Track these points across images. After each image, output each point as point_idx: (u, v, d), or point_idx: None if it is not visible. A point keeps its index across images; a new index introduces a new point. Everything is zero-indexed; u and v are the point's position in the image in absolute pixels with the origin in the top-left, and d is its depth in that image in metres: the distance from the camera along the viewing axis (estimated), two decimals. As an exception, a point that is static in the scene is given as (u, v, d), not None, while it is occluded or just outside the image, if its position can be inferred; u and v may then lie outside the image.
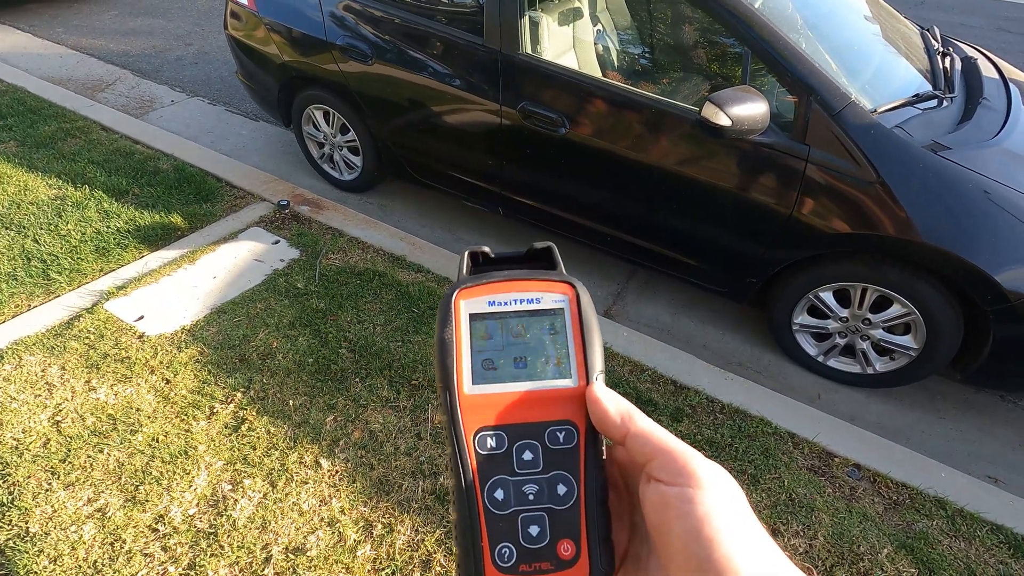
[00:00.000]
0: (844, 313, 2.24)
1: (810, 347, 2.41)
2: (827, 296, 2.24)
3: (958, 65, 2.45)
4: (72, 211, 2.88)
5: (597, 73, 2.71)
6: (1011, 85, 2.38)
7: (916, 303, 2.07)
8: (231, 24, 3.32)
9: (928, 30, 2.74)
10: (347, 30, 2.85)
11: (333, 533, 1.66)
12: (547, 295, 0.35)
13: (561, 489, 0.32)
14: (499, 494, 0.32)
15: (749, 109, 1.94)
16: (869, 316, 2.19)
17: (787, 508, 1.78)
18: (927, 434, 2.22)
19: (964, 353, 2.13)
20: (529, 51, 2.45)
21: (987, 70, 2.49)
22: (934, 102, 2.17)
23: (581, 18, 2.80)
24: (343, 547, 1.62)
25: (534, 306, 0.35)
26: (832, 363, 2.39)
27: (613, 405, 0.33)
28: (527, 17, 2.46)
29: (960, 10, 6.69)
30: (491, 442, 0.33)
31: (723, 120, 1.93)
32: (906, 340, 2.17)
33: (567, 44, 2.72)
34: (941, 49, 2.54)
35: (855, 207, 2.02)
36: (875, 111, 2.01)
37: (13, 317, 2.33)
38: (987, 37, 5.76)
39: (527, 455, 0.33)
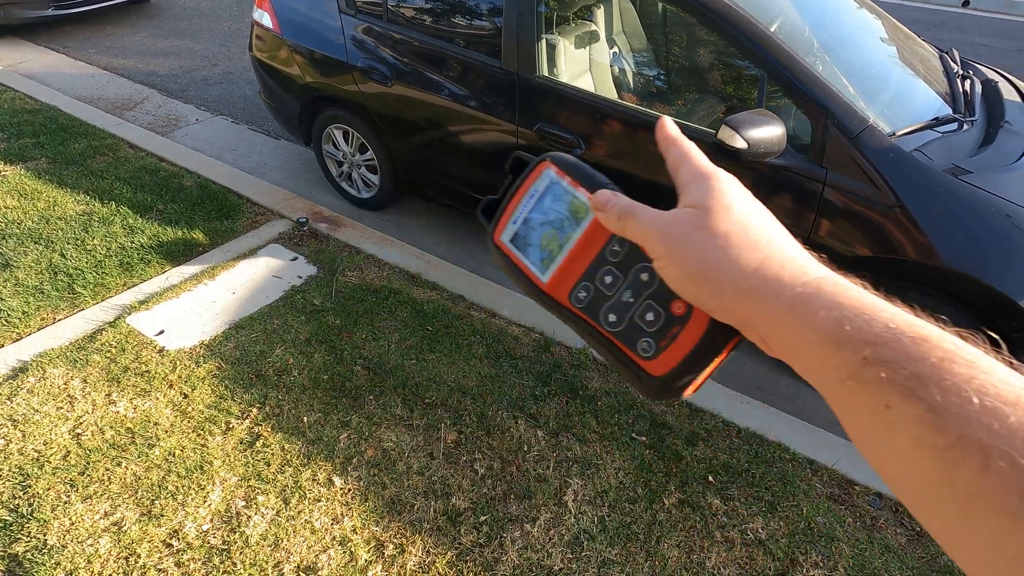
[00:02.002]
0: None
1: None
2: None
3: (979, 88, 2.43)
4: (98, 226, 2.96)
5: (613, 95, 2.73)
6: (1034, 108, 2.35)
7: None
8: (256, 46, 3.41)
9: (947, 52, 2.73)
10: (367, 52, 2.92)
11: (345, 553, 1.65)
12: (538, 182, 0.42)
13: (644, 276, 0.37)
14: (611, 317, 0.38)
15: (765, 132, 1.94)
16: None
17: (806, 537, 1.74)
18: (951, 463, 2.16)
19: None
20: (546, 73, 2.49)
21: (1009, 93, 2.47)
22: (954, 125, 2.15)
23: (597, 41, 2.83)
24: (354, 567, 1.62)
25: (536, 195, 0.42)
26: (851, 388, 2.35)
27: (609, 214, 0.37)
28: (544, 40, 2.50)
29: (980, 31, 6.65)
30: (581, 294, 0.39)
31: (739, 143, 1.94)
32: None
33: (583, 66, 2.75)
34: (961, 72, 2.53)
35: (874, 231, 2.00)
36: (894, 134, 2.00)
37: (39, 330, 2.38)
38: (1009, 58, 5.71)
39: (607, 279, 0.39)
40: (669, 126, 0.40)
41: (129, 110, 4.52)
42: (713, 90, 2.71)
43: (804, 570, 1.65)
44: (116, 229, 2.95)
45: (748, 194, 0.36)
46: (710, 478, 1.90)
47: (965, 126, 2.16)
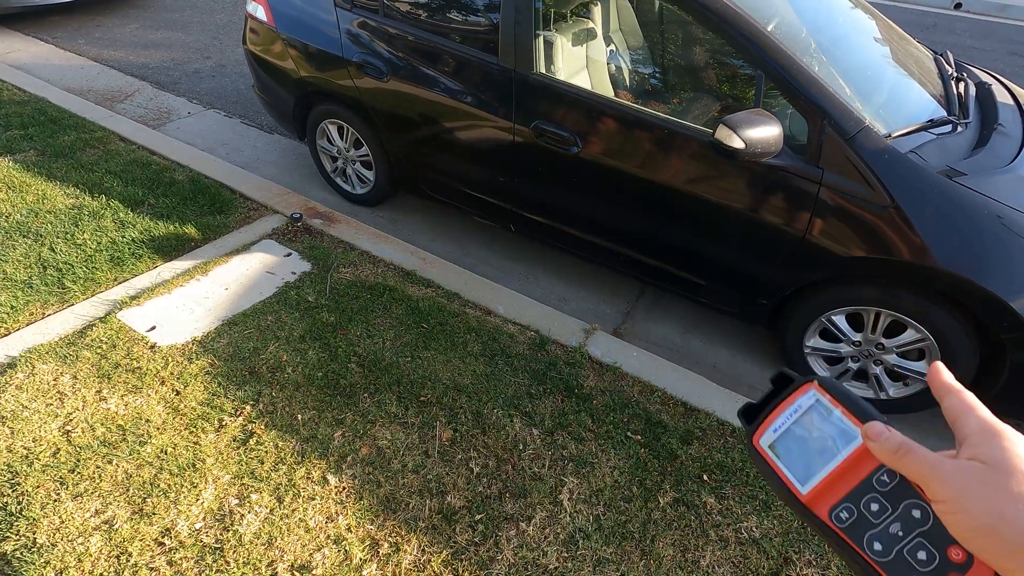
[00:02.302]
0: (857, 337, 2.22)
1: (822, 371, 2.39)
2: (840, 320, 2.22)
3: (972, 90, 2.45)
4: (89, 220, 2.92)
5: (610, 93, 2.73)
6: (1027, 111, 2.37)
7: (931, 329, 2.05)
8: (250, 39, 3.37)
9: (942, 55, 2.74)
10: (363, 47, 2.89)
11: (339, 551, 1.65)
12: (801, 399, 0.45)
13: (916, 513, 0.38)
14: (876, 545, 0.38)
15: (763, 132, 1.94)
16: (883, 341, 2.17)
17: (799, 536, 1.75)
18: (941, 462, 2.18)
19: (980, 380, 2.10)
20: (543, 70, 2.48)
21: (1002, 96, 2.48)
22: (948, 127, 2.16)
23: (594, 38, 2.82)
24: (349, 566, 1.61)
25: (800, 412, 0.44)
26: (844, 387, 2.36)
27: (883, 446, 0.39)
28: (541, 37, 2.48)
29: (972, 34, 6.71)
30: (843, 514, 0.40)
31: (736, 143, 1.94)
32: (920, 366, 2.15)
33: (580, 64, 2.74)
34: (955, 74, 2.54)
35: (869, 231, 2.01)
36: (889, 136, 2.01)
37: (27, 325, 2.35)
38: (1000, 61, 5.76)
39: (873, 506, 0.39)
40: (944, 373, 0.42)
41: (120, 102, 4.47)
42: (709, 89, 2.72)
43: (798, 568, 1.66)
44: (107, 223, 2.92)
45: None
46: (705, 477, 1.90)
47: (959, 128, 2.17)
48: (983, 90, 2.48)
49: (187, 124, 4.22)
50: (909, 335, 2.11)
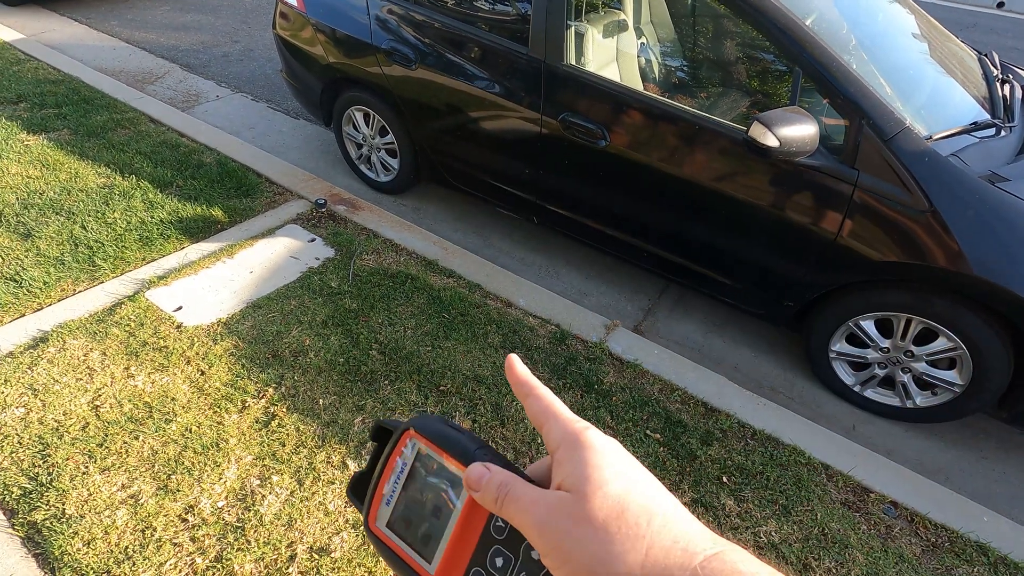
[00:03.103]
0: (886, 344, 2.17)
1: (847, 376, 2.35)
2: (868, 325, 2.18)
3: (1018, 93, 2.37)
4: (119, 200, 2.97)
5: (639, 86, 2.69)
6: (1075, 116, 2.29)
7: (963, 338, 1.99)
8: (279, 24, 3.38)
9: (987, 55, 2.65)
10: (392, 34, 2.88)
11: (357, 536, 1.66)
12: (405, 454, 0.39)
13: (534, 554, 0.34)
14: None
15: (798, 131, 1.90)
16: (912, 348, 2.12)
17: (819, 543, 1.72)
18: (968, 474, 2.14)
19: (1013, 392, 2.05)
20: (573, 62, 2.45)
21: (1049, 99, 2.40)
22: (992, 131, 2.10)
23: (625, 31, 2.78)
24: (367, 551, 1.63)
25: (406, 470, 0.38)
26: (869, 394, 2.32)
27: (484, 495, 0.35)
28: (572, 28, 2.45)
29: (1014, 34, 6.49)
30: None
31: (771, 141, 1.90)
32: (951, 375, 2.10)
33: (610, 56, 2.70)
34: (1000, 75, 2.46)
35: (904, 235, 1.96)
36: (930, 138, 1.95)
37: (59, 301, 2.40)
38: (1043, 62, 5.56)
39: (498, 561, 0.35)
40: (518, 367, 0.38)
41: (150, 84, 4.52)
42: (741, 85, 2.66)
43: (817, 575, 1.64)
44: (136, 203, 2.96)
45: (623, 457, 0.34)
46: (724, 479, 1.88)
47: (1003, 132, 2.10)
48: (1029, 93, 2.39)
49: (215, 107, 4.26)
50: (940, 343, 2.05)
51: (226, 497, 1.73)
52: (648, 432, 2.01)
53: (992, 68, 2.50)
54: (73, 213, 2.86)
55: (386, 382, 2.12)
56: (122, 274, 2.56)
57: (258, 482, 1.78)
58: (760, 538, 1.73)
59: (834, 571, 1.66)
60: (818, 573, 1.65)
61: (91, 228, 2.77)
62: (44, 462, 1.78)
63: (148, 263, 2.64)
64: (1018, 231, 1.84)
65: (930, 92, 2.25)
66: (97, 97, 3.96)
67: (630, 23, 2.82)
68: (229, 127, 3.95)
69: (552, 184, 2.68)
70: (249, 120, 4.13)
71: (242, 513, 1.70)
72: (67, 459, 1.79)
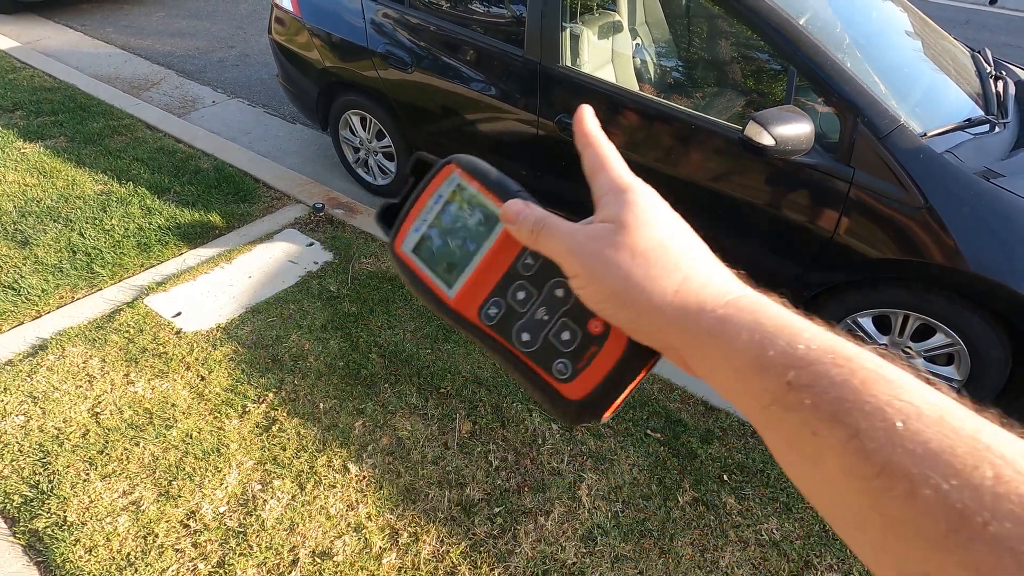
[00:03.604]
0: (883, 340, 2.18)
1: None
2: (866, 322, 2.19)
3: (1012, 89, 2.38)
4: (116, 207, 2.97)
5: (634, 87, 2.70)
6: (1069, 112, 2.30)
7: (961, 334, 2.00)
8: (275, 29, 3.39)
9: (980, 52, 2.67)
10: (388, 38, 2.89)
11: (359, 539, 1.66)
12: (443, 186, 0.39)
13: (559, 292, 0.35)
14: (524, 336, 0.36)
15: (793, 129, 1.91)
16: (910, 345, 2.13)
17: (820, 540, 1.73)
18: (967, 469, 2.14)
19: (1010, 387, 2.06)
20: (568, 64, 2.46)
21: (1042, 95, 2.41)
22: (986, 127, 2.11)
23: (620, 31, 2.79)
24: (369, 554, 1.63)
25: (442, 201, 0.39)
26: (868, 390, 2.32)
27: (520, 227, 0.35)
28: (568, 30, 2.46)
29: (1007, 31, 6.52)
30: (491, 310, 0.37)
31: (766, 140, 1.90)
32: (948, 371, 2.11)
33: (606, 57, 2.71)
34: (994, 72, 2.47)
35: (900, 233, 1.97)
36: (925, 135, 1.96)
37: (57, 308, 2.40)
38: (1036, 59, 5.59)
39: (520, 295, 0.36)
40: (588, 119, 0.37)
41: (146, 90, 4.52)
42: (737, 84, 2.67)
43: (819, 573, 1.65)
44: (134, 210, 2.96)
45: (667, 209, 0.34)
46: (725, 477, 1.89)
47: (997, 128, 2.11)
48: (1023, 89, 2.41)
49: (211, 113, 4.27)
50: (938, 339, 2.06)
51: (228, 502, 1.73)
52: (649, 431, 2.02)
53: (985, 65, 2.52)
54: (71, 220, 2.86)
55: (386, 385, 2.12)
56: (120, 281, 2.56)
57: (259, 487, 1.78)
58: (762, 536, 1.73)
59: (836, 568, 1.66)
60: (820, 570, 1.65)
61: (89, 235, 2.77)
62: (45, 470, 1.78)
63: (146, 269, 2.64)
64: (1013, 227, 1.85)
65: (924, 89, 2.26)
66: (93, 104, 3.96)
67: (625, 24, 2.83)
68: (226, 132, 3.95)
69: (549, 186, 2.69)
70: (246, 125, 4.13)
71: (244, 518, 1.70)
72: (68, 466, 1.79)
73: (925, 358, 2.13)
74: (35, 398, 2.00)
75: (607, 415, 0.35)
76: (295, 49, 3.27)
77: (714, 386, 0.31)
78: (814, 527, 1.76)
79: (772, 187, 2.12)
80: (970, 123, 2.08)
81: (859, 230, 2.03)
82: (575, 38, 2.49)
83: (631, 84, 2.73)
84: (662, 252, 0.32)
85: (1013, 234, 1.86)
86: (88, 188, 3.10)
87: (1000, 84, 2.39)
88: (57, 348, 2.19)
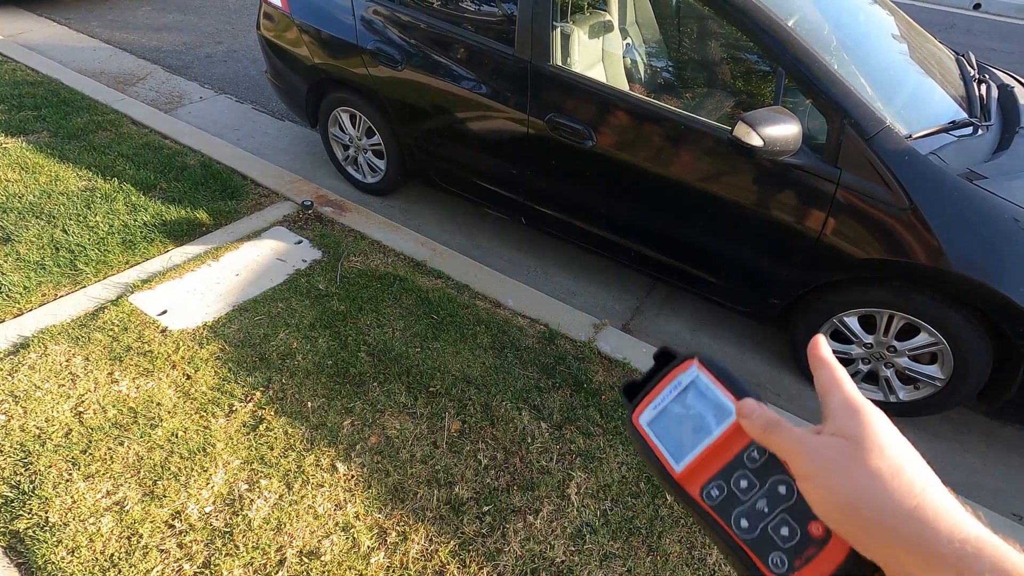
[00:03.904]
0: (869, 339, 2.20)
1: (832, 372, 2.37)
2: (852, 321, 2.21)
3: (994, 92, 2.42)
4: (101, 203, 2.92)
5: (624, 87, 2.70)
6: (1050, 115, 2.34)
7: (944, 333, 2.03)
8: (264, 25, 3.36)
9: (964, 55, 2.70)
10: (378, 35, 2.87)
11: (347, 539, 1.66)
12: (682, 375, 0.44)
13: (782, 489, 0.38)
14: (743, 523, 0.38)
15: (782, 130, 1.92)
16: (895, 344, 2.16)
17: (806, 536, 1.74)
18: (952, 466, 2.18)
19: (993, 386, 2.09)
20: (559, 63, 2.46)
21: (1024, 98, 2.45)
22: (970, 129, 2.14)
23: (611, 31, 2.80)
24: (357, 553, 1.62)
25: (679, 388, 0.44)
26: (854, 389, 2.35)
27: (754, 423, 0.39)
28: (558, 29, 2.46)
29: (990, 35, 6.62)
30: (714, 491, 0.40)
31: (755, 140, 1.92)
32: (932, 370, 2.13)
33: (596, 57, 2.72)
34: (977, 75, 2.51)
35: (886, 233, 1.99)
36: (910, 137, 1.98)
37: (40, 306, 2.36)
38: (1020, 63, 5.68)
39: (743, 483, 0.39)
40: (823, 346, 0.41)
41: (132, 85, 4.47)
42: (726, 85, 2.69)
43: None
44: (119, 206, 2.92)
45: (898, 433, 0.36)
46: (712, 475, 1.90)
47: (980, 131, 2.14)
48: (1005, 92, 2.45)
49: (199, 109, 4.22)
50: (922, 338, 2.09)
51: (214, 502, 1.71)
52: (637, 430, 2.02)
53: (969, 68, 2.55)
54: (54, 217, 2.82)
55: (375, 384, 2.11)
56: (105, 278, 2.52)
57: (246, 486, 1.76)
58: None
59: (821, 564, 1.68)
60: (806, 567, 1.67)
61: (73, 232, 2.73)
62: (26, 470, 1.75)
63: (131, 267, 2.60)
64: (995, 227, 1.88)
65: (910, 92, 2.29)
66: (77, 99, 3.91)
67: (615, 24, 2.84)
68: (213, 129, 3.91)
69: (539, 184, 2.69)
70: (233, 122, 4.09)
71: (230, 518, 1.68)
72: (50, 466, 1.76)
73: (910, 357, 2.16)
74: (16, 397, 1.96)
75: None
76: (284, 45, 3.24)
77: None
78: (800, 524, 1.78)
79: (760, 188, 2.13)
80: (954, 125, 2.11)
81: (845, 231, 2.05)
82: (565, 37, 2.49)
83: (621, 84, 2.74)
84: (897, 473, 0.33)
85: (995, 235, 1.89)
86: (72, 184, 3.06)
87: (983, 87, 2.42)
88: (39, 346, 2.15)
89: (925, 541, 0.31)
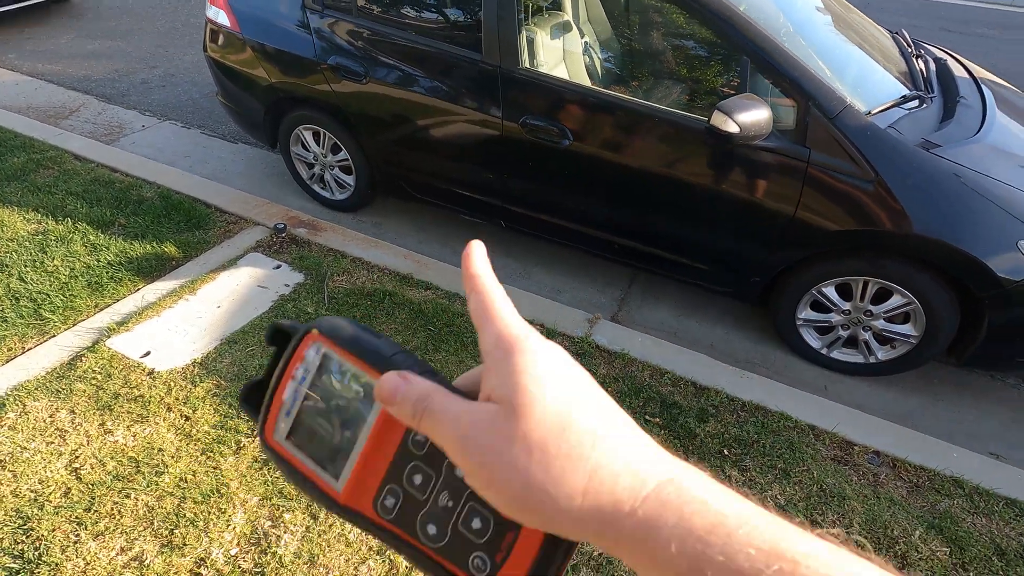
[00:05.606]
0: (846, 306, 2.34)
1: (814, 341, 2.51)
2: (830, 291, 2.34)
3: (932, 66, 2.60)
4: (57, 246, 2.76)
5: (587, 84, 2.76)
6: (981, 83, 2.54)
7: (915, 293, 2.18)
8: (210, 47, 3.24)
9: (898, 33, 2.90)
10: (339, 50, 2.83)
11: (383, 561, 1.63)
12: (308, 359, 0.34)
13: (460, 472, 0.30)
14: (431, 529, 0.31)
15: (755, 116, 2.02)
16: (871, 308, 2.30)
17: (820, 499, 1.84)
18: (930, 417, 2.34)
19: (961, 339, 2.25)
20: (528, 65, 2.49)
21: (957, 70, 2.65)
22: (917, 102, 2.30)
23: (570, 31, 2.85)
24: (397, 574, 1.60)
25: (309, 377, 0.34)
26: (836, 355, 2.49)
27: (401, 408, 0.30)
28: (523, 33, 2.49)
29: (903, 12, 7.08)
30: (388, 501, 0.32)
31: (732, 127, 2.01)
32: (906, 329, 2.28)
33: (558, 57, 2.76)
34: (914, 51, 2.69)
35: (855, 205, 2.12)
36: (869, 113, 2.12)
37: (7, 362, 2.21)
38: (933, 37, 6.11)
39: (416, 479, 0.31)
40: (475, 257, 0.33)
41: (65, 119, 4.22)
42: (694, 76, 2.78)
43: (824, 529, 1.75)
44: (77, 248, 2.76)
45: (566, 368, 0.29)
46: (725, 451, 1.98)
47: (926, 103, 2.31)
48: (941, 65, 2.64)
49: (143, 138, 4.03)
50: (895, 300, 2.24)
51: (238, 543, 1.66)
52: (648, 417, 2.08)
53: (906, 45, 2.74)
54: (6, 265, 2.64)
55: (383, 402, 2.08)
56: (75, 325, 2.38)
57: (270, 523, 1.71)
58: (768, 502, 1.81)
59: (838, 523, 1.78)
60: (825, 526, 1.76)
61: (31, 279, 2.56)
62: (28, 536, 1.65)
63: (102, 310, 2.47)
64: (955, 192, 2.03)
65: (861, 71, 2.44)
66: (9, 138, 3.66)
67: (573, 24, 2.89)
68: (163, 157, 3.74)
69: (518, 187, 2.71)
70: (183, 148, 3.93)
71: (259, 557, 1.63)
72: (54, 529, 1.66)
73: (885, 319, 2.30)
74: (1, 461, 1.83)
75: None
76: (236, 66, 3.14)
77: None
78: (812, 488, 1.88)
79: (736, 172, 2.23)
80: (905, 99, 2.26)
81: (818, 206, 2.17)
82: (531, 40, 2.53)
83: (583, 81, 2.79)
84: (562, 438, 0.27)
85: (951, 197, 2.04)
86: (20, 229, 2.87)
87: (921, 62, 2.61)
88: (16, 404, 2.02)
89: (608, 522, 0.26)
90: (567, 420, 0.27)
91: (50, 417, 1.98)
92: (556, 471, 0.26)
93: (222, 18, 3.08)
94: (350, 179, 3.21)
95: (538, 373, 0.28)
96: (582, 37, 2.97)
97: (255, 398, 0.36)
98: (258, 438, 0.35)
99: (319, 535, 1.69)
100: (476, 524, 0.30)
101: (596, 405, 0.28)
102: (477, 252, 0.33)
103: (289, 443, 0.34)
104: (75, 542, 1.64)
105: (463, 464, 0.28)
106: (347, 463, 0.32)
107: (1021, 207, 2.01)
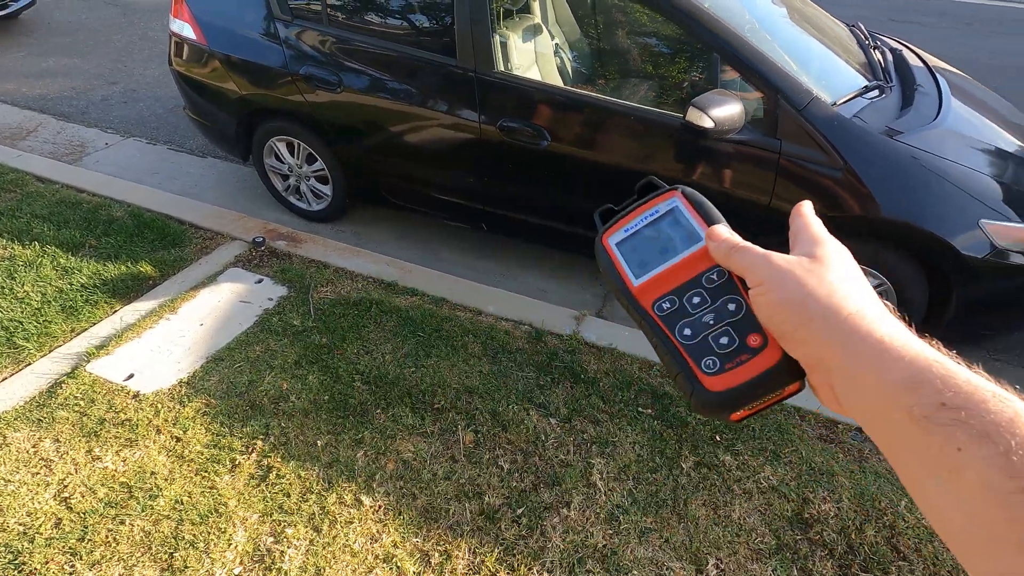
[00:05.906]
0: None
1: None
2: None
3: (889, 57, 2.72)
4: (25, 271, 2.67)
5: (560, 84, 2.80)
6: (936, 72, 2.66)
7: (886, 273, 2.27)
8: (175, 61, 3.18)
9: (855, 25, 3.01)
10: (310, 59, 2.81)
11: (391, 569, 1.63)
12: (661, 204, 0.46)
13: (731, 306, 0.41)
14: (687, 331, 0.41)
15: (728, 110, 2.08)
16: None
17: (810, 477, 1.91)
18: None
19: (931, 316, 2.36)
20: (502, 69, 2.51)
21: (912, 59, 2.77)
22: (877, 92, 2.40)
23: (541, 33, 2.89)
24: (405, 581, 1.61)
25: (656, 216, 0.46)
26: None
27: (720, 246, 0.41)
28: (497, 36, 2.51)
29: (852, 4, 7.33)
30: (665, 304, 0.43)
31: (707, 123, 2.07)
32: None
33: (531, 59, 2.80)
34: (871, 43, 2.81)
35: (826, 192, 2.20)
36: (835, 104, 2.20)
37: (-18, 393, 2.13)
38: (881, 27, 6.34)
39: (695, 299, 0.42)
40: (806, 205, 0.45)
41: (22, 139, 4.08)
42: (665, 73, 2.84)
43: (816, 506, 1.82)
44: (47, 272, 2.68)
45: (856, 266, 0.40)
46: (717, 437, 2.03)
47: (886, 92, 2.41)
48: (897, 56, 2.76)
49: (107, 156, 3.92)
50: (870, 281, 2.32)
51: (242, 562, 1.64)
52: (640, 409, 2.12)
53: (864, 37, 2.85)
54: (-27, 294, 2.54)
55: (378, 411, 2.08)
56: (51, 351, 2.31)
57: (272, 539, 1.69)
58: (761, 484, 1.88)
59: (829, 499, 1.84)
60: (816, 503, 1.83)
61: (0, 307, 2.47)
62: (20, 572, 1.59)
63: (78, 334, 2.40)
64: (914, 175, 2.13)
65: (823, 63, 2.53)
66: (-35, 161, 3.52)
67: (544, 26, 2.93)
68: (130, 175, 3.65)
69: (498, 190, 2.74)
70: (150, 165, 3.84)
71: (264, 574, 1.61)
72: (47, 562, 1.61)
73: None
74: (-16, 496, 1.77)
75: (737, 416, 0.40)
76: (204, 79, 3.09)
77: (852, 407, 0.34)
78: (802, 467, 1.94)
79: (712, 166, 2.29)
80: (867, 89, 2.36)
81: (791, 196, 2.24)
82: (504, 43, 2.55)
83: (556, 83, 2.83)
84: (845, 285, 0.36)
85: (915, 181, 2.14)
86: (-15, 255, 2.77)
87: (878, 53, 2.72)
88: (-5, 437, 1.95)
89: (857, 337, 0.33)
90: (851, 281, 0.37)
91: (33, 447, 1.92)
92: (835, 297, 0.36)
93: (187, 31, 3.02)
94: (327, 189, 3.19)
95: (837, 251, 0.39)
96: (552, 39, 3.01)
97: (606, 215, 0.48)
98: (598, 237, 0.47)
99: (323, 547, 1.67)
100: (723, 340, 0.40)
101: (869, 288, 0.38)
102: (810, 206, 0.44)
103: (616, 247, 0.46)
104: (70, 573, 1.59)
105: (758, 278, 0.38)
106: (649, 273, 0.44)
107: (981, 187, 2.12)
